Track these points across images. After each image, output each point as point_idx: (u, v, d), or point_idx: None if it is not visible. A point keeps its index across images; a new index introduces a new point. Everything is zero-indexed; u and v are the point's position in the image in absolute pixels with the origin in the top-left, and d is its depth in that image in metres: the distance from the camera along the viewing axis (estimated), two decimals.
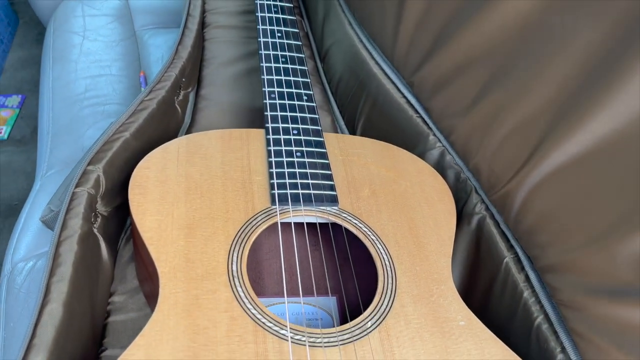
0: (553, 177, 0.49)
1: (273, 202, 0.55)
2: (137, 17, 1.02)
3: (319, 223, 0.57)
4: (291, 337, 0.45)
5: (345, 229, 0.56)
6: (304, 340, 0.45)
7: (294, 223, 0.57)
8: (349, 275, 0.61)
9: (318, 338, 0.46)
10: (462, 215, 0.63)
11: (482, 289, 0.60)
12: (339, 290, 0.60)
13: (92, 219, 0.53)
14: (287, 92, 0.66)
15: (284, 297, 0.54)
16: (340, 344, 0.45)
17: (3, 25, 1.54)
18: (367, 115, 0.76)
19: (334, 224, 0.57)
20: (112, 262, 0.56)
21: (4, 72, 1.52)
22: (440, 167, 0.67)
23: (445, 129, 0.64)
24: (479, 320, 0.51)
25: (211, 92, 0.79)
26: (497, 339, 0.50)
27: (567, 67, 0.48)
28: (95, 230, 0.54)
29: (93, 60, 0.93)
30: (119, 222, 0.59)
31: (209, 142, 0.60)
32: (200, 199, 0.53)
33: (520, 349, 0.50)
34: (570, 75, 0.48)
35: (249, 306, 0.46)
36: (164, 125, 0.64)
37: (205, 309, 0.45)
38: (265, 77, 0.67)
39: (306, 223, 0.57)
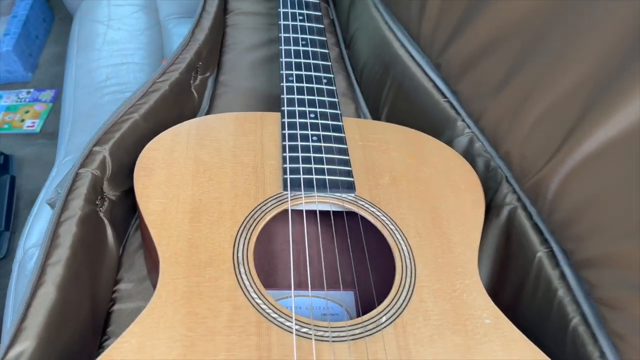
0: (591, 161, 0.44)
1: (285, 187, 0.51)
2: (162, 7, 1.01)
3: (335, 211, 0.54)
4: (297, 330, 0.42)
5: (363, 217, 0.52)
6: (311, 334, 0.41)
7: (307, 211, 0.54)
8: (369, 269, 0.57)
9: (326, 332, 0.42)
10: (491, 207, 0.58)
11: (513, 287, 0.55)
12: (358, 284, 0.57)
13: (98, 202, 0.51)
14: (305, 75, 0.63)
15: (297, 289, 0.50)
16: (350, 339, 0.42)
17: (38, 21, 1.57)
18: (392, 102, 0.72)
19: (352, 213, 0.53)
20: (119, 248, 0.54)
21: (38, 67, 1.55)
22: (469, 155, 0.62)
23: (474, 113, 0.59)
24: (507, 319, 0.46)
25: (231, 78, 0.77)
26: (528, 340, 0.45)
27: (606, 40, 0.43)
28: (101, 214, 0.52)
29: (116, 49, 0.92)
30: (128, 207, 0.57)
31: (222, 125, 0.57)
32: (208, 183, 0.51)
33: (553, 353, 0.45)
34: (610, 48, 0.43)
35: (254, 295, 0.43)
36: (177, 108, 0.62)
37: (206, 297, 0.42)
38: (284, 59, 0.64)
39: (319, 211, 0.53)
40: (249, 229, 0.48)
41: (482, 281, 0.58)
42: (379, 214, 0.52)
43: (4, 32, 1.46)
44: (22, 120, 1.40)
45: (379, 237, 0.51)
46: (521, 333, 0.45)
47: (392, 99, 0.72)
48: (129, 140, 0.54)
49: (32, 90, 1.48)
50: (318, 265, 0.57)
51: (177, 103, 0.62)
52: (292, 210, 0.51)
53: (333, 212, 0.53)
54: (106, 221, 0.53)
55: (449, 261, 0.50)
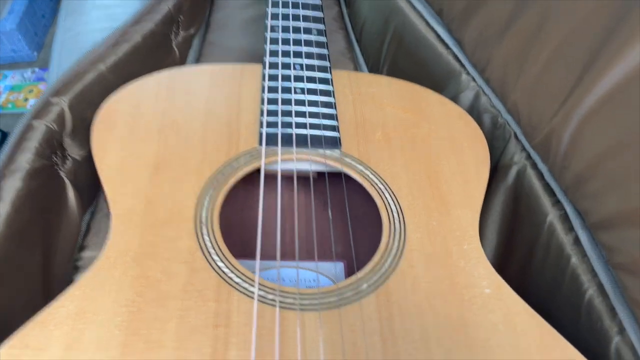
0: (604, 106, 0.38)
1: (261, 142, 0.46)
2: None
3: (318, 172, 0.48)
4: (261, 297, 0.36)
5: (350, 178, 0.46)
6: (276, 301, 0.36)
7: (288, 172, 0.48)
8: (361, 238, 0.51)
9: (296, 299, 0.37)
10: (497, 169, 0.52)
11: (521, 256, 0.49)
12: (347, 255, 0.51)
13: (57, 159, 0.47)
14: (293, 25, 0.57)
15: (275, 260, 0.45)
16: (321, 309, 0.36)
17: (45, 0, 1.54)
18: (393, 58, 0.65)
19: (342, 176, 0.47)
20: (82, 213, 0.49)
21: (44, 47, 1.52)
22: (474, 111, 0.56)
23: (479, 62, 0.53)
24: (511, 290, 0.40)
25: (219, 36, 0.71)
26: (534, 312, 0.39)
27: None
28: (62, 173, 0.48)
29: (106, 13, 0.87)
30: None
31: (197, 77, 0.52)
32: (175, 137, 0.45)
33: (566, 328, 0.38)
34: None
35: (215, 258, 0.38)
36: (152, 64, 0.57)
37: (161, 258, 0.37)
38: (270, 9, 0.58)
39: (308, 174, 0.48)
40: (216, 186, 0.43)
41: (487, 251, 0.52)
42: (367, 172, 0.46)
43: (8, 11, 1.43)
44: (26, 100, 1.37)
45: (373, 201, 0.45)
46: (527, 305, 0.39)
47: (392, 55, 0.66)
48: (93, 93, 0.49)
49: (36, 69, 1.46)
50: (305, 233, 0.51)
51: (153, 58, 0.57)
52: (271, 171, 0.45)
53: (322, 175, 0.48)
54: (67, 182, 0.48)
55: (445, 224, 0.44)
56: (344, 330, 0.35)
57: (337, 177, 0.48)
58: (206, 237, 0.39)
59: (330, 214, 0.49)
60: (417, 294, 0.38)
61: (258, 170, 0.45)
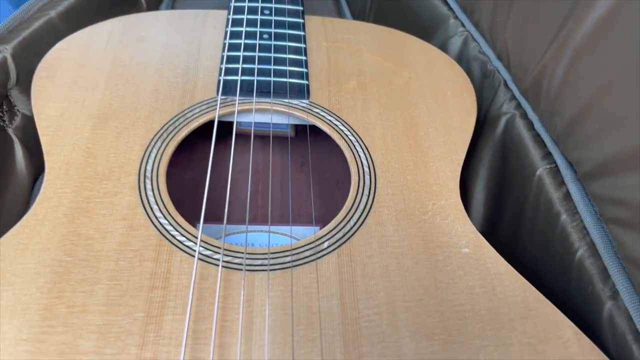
0: (604, 32, 0.32)
1: (218, 91, 0.42)
2: None
3: (284, 128, 0.44)
4: (206, 256, 0.32)
5: (318, 129, 0.42)
6: (219, 260, 0.32)
7: (249, 124, 0.44)
8: (339, 200, 0.47)
9: (244, 260, 0.33)
10: (486, 121, 0.47)
11: (510, 215, 0.44)
12: (324, 218, 0.47)
13: (2, 114, 0.43)
14: None
15: (243, 224, 0.41)
16: (271, 269, 0.32)
17: None
18: (378, 5, 0.60)
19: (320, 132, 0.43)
20: (32, 173, 0.45)
21: None
22: (463, 60, 0.51)
23: (468, 4, 0.48)
24: (492, 250, 0.36)
25: None
26: (518, 275, 0.34)
27: None
28: (8, 130, 0.44)
29: None
30: None
31: (154, 23, 0.47)
32: (124, 86, 0.41)
33: (556, 295, 0.34)
34: None
35: (158, 215, 0.34)
36: (112, 14, 0.52)
37: (96, 214, 0.33)
38: None
39: (258, 123, 0.43)
40: (165, 138, 0.38)
41: (476, 210, 0.47)
42: (337, 123, 0.42)
43: None
44: None
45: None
46: (510, 267, 0.35)
47: (377, 3, 0.60)
48: (41, 42, 0.45)
49: None
50: (279, 195, 0.47)
51: (113, 6, 0.53)
52: (236, 126, 0.41)
53: (299, 132, 0.43)
54: (15, 139, 0.44)
55: (421, 178, 0.39)
56: (297, 293, 0.31)
57: (313, 134, 0.44)
58: (149, 192, 0.35)
59: (290, 172, 0.45)
60: (385, 254, 0.34)
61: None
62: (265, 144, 0.50)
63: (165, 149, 0.38)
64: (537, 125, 0.41)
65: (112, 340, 0.28)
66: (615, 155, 0.32)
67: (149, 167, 0.36)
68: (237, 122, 0.41)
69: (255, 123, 0.48)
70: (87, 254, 0.32)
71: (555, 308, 0.33)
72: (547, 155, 0.40)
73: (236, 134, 0.40)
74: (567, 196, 0.38)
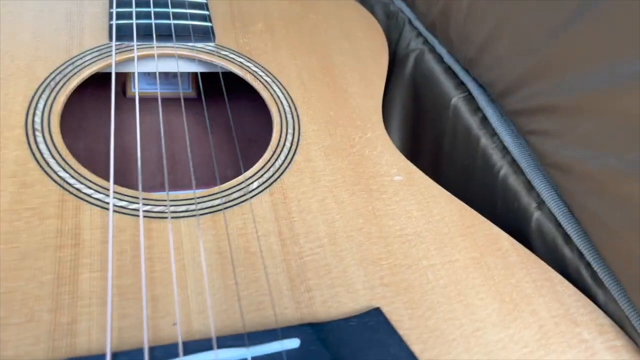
0: None
1: (111, 37, 0.37)
2: None
3: (190, 74, 0.40)
4: (120, 207, 0.28)
5: (219, 89, 0.39)
6: (136, 209, 0.28)
7: (152, 72, 0.39)
8: (254, 157, 0.44)
9: (167, 207, 0.29)
10: (395, 61, 0.47)
11: (429, 148, 0.44)
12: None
13: None
14: None
15: (156, 190, 0.37)
16: (200, 214, 0.29)
17: None
18: None
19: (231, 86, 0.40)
20: None
21: None
22: (367, 3, 0.50)
23: None
24: (423, 175, 0.35)
25: None
26: (452, 196, 0.34)
27: None
28: None
29: None
30: None
31: None
32: None
33: (483, 214, 0.34)
34: None
35: (56, 168, 0.29)
36: None
37: None
38: None
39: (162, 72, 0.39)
40: (53, 87, 0.33)
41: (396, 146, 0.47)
42: (249, 64, 0.39)
43: None
44: None
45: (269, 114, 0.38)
46: (443, 189, 0.35)
47: None
48: None
49: None
50: (186, 155, 0.43)
51: None
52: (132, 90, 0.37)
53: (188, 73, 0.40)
54: None
55: (344, 114, 0.38)
56: (232, 235, 0.28)
57: (217, 93, 0.40)
58: (42, 146, 0.30)
59: (196, 133, 0.41)
60: (319, 188, 0.32)
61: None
62: (171, 106, 0.46)
63: (55, 99, 0.32)
64: (446, 58, 0.42)
65: (17, 308, 0.23)
66: (530, 66, 0.32)
67: (37, 119, 0.31)
68: (133, 85, 0.37)
69: (149, 86, 0.44)
70: None
71: (491, 223, 0.33)
72: (460, 84, 0.41)
73: (130, 99, 0.36)
74: (484, 120, 0.39)
